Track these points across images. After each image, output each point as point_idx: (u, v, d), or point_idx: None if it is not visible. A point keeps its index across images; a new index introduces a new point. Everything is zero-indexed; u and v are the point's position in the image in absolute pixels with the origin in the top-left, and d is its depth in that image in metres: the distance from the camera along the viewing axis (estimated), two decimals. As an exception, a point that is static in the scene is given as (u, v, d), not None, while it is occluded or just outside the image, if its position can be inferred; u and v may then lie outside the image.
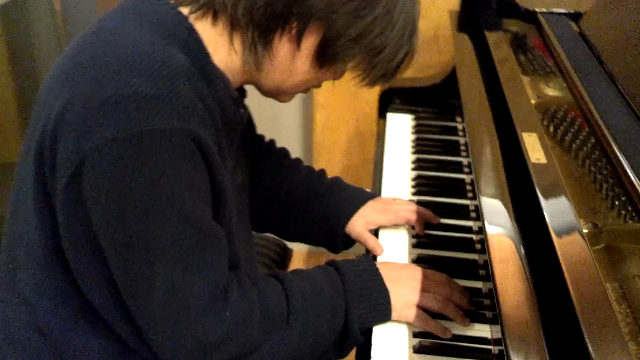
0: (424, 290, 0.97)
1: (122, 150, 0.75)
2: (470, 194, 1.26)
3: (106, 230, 0.78)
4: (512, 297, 0.83)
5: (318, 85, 0.98)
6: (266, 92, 0.96)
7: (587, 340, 0.69)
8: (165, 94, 0.77)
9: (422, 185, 1.30)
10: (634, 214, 0.90)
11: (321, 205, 1.17)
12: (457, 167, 1.36)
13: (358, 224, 1.15)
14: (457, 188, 1.29)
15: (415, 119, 1.54)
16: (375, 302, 0.95)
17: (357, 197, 1.17)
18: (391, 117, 1.55)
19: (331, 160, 2.09)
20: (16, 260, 0.90)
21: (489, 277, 1.04)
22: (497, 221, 0.93)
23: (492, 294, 1.01)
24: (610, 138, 1.00)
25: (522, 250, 0.89)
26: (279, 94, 0.96)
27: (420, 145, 1.43)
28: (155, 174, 0.76)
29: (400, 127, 1.51)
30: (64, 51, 0.88)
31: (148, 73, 0.77)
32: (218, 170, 0.83)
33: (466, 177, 1.32)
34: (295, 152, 1.12)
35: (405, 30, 0.89)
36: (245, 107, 0.99)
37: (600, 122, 1.04)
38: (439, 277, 1.01)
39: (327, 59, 0.88)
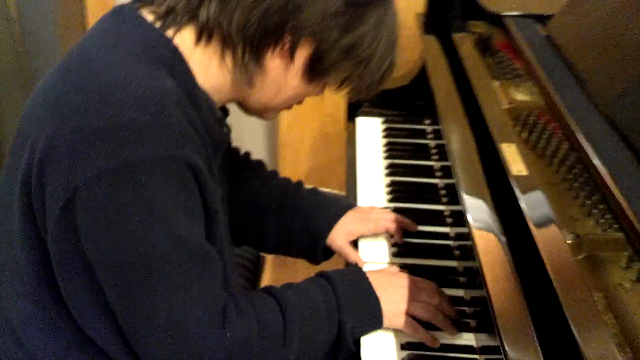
0: (414, 298, 0.99)
1: (116, 180, 0.74)
2: (444, 199, 1.28)
3: (102, 261, 0.77)
4: (504, 299, 0.85)
5: (301, 102, 0.98)
6: (252, 110, 0.96)
7: (578, 338, 0.73)
8: (156, 121, 0.76)
9: (396, 192, 1.31)
10: (611, 223, 0.93)
11: (300, 217, 1.17)
12: (429, 172, 1.37)
13: (339, 237, 1.15)
14: (431, 193, 1.31)
15: (385, 122, 1.55)
16: (367, 311, 0.96)
17: (336, 208, 1.18)
18: (361, 121, 1.55)
19: (297, 160, 2.09)
20: (1, 293, 0.88)
21: (470, 284, 1.07)
22: (484, 228, 0.95)
23: (474, 302, 1.03)
24: (586, 145, 1.02)
25: (510, 255, 0.90)
26: (265, 111, 0.96)
27: (391, 150, 1.44)
28: (151, 202, 0.76)
29: (370, 131, 1.52)
30: (44, 78, 0.86)
31: (137, 100, 0.76)
32: (210, 192, 0.84)
33: (439, 182, 1.34)
34: (260, 152, 1.12)
35: (389, 41, 0.91)
36: (227, 126, 0.99)
37: (576, 129, 1.06)
38: (428, 285, 1.03)
39: (317, 72, 0.90)
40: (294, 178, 1.27)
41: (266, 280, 1.69)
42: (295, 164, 2.08)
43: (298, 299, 0.93)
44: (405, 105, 1.59)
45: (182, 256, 0.79)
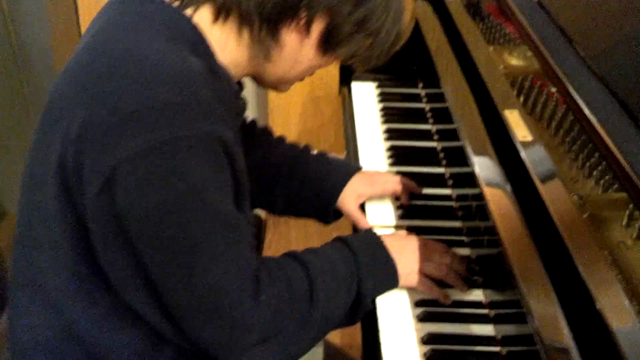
0: (426, 259, 1.05)
1: (154, 158, 0.77)
2: (443, 162, 1.33)
3: (142, 236, 0.80)
4: (519, 252, 0.90)
5: (313, 73, 1.02)
6: (268, 83, 1.00)
7: (591, 289, 0.79)
8: (189, 100, 0.79)
9: (397, 156, 1.36)
10: (611, 183, 0.98)
11: (310, 180, 1.22)
12: (427, 135, 1.42)
13: (349, 199, 1.20)
14: (430, 156, 1.36)
15: (379, 86, 1.59)
16: (384, 272, 1.02)
17: (344, 171, 1.23)
18: (356, 86, 1.59)
19: (287, 123, 2.12)
20: (38, 266, 0.91)
21: (474, 243, 1.13)
22: (494, 185, 1.00)
23: (480, 260, 1.09)
24: (583, 106, 1.06)
25: (520, 212, 0.95)
26: (280, 84, 1.00)
27: (388, 115, 1.48)
28: (187, 177, 0.79)
29: (366, 96, 1.56)
30: (72, 58, 0.88)
31: (170, 81, 0.79)
32: (239, 165, 0.88)
33: (437, 145, 1.39)
34: (250, 115, 1.15)
35: (397, 13, 0.96)
36: (243, 99, 1.02)
37: (572, 91, 1.10)
38: (439, 246, 1.08)
39: (331, 44, 0.93)
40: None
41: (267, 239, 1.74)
42: (285, 128, 2.11)
43: (320, 262, 0.98)
44: (397, 68, 1.63)
45: (218, 226, 0.83)
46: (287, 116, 2.11)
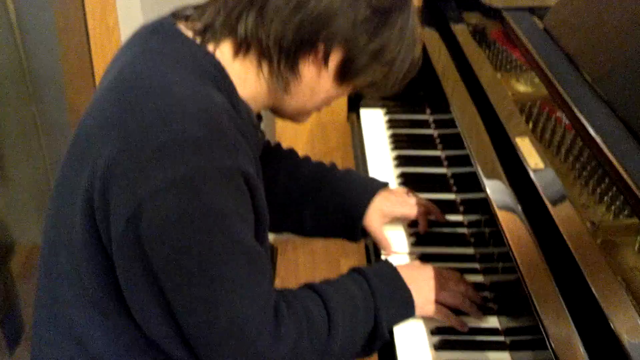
0: (441, 287, 1.06)
1: (180, 192, 0.79)
2: (454, 188, 1.34)
3: (166, 269, 0.82)
4: (535, 278, 0.90)
5: (330, 103, 1.04)
6: (286, 115, 1.02)
7: (607, 314, 0.80)
8: (213, 134, 0.82)
9: (407, 183, 1.37)
10: (623, 208, 1.00)
11: (337, 197, 1.23)
12: (437, 161, 1.43)
13: (374, 218, 1.21)
14: (441, 182, 1.37)
15: (387, 113, 1.60)
16: (400, 302, 1.03)
17: (370, 187, 1.24)
18: (364, 112, 1.61)
19: (296, 149, 2.13)
20: (62, 301, 0.92)
21: (487, 270, 1.14)
22: (508, 211, 1.01)
23: (494, 287, 1.10)
24: (592, 133, 1.08)
25: (534, 237, 0.96)
26: (299, 115, 1.02)
27: (397, 142, 1.49)
28: (211, 210, 0.81)
29: (375, 123, 1.57)
30: (98, 92, 0.91)
31: (195, 116, 0.81)
32: (259, 197, 0.89)
33: (447, 171, 1.40)
34: None
35: (411, 42, 0.98)
36: (262, 131, 1.04)
37: (581, 118, 1.12)
38: (453, 274, 1.09)
39: (348, 75, 0.96)
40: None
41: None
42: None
43: (338, 294, 0.99)
44: (405, 95, 1.64)
45: (240, 259, 0.85)
46: (295, 142, 2.12)
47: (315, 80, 0.95)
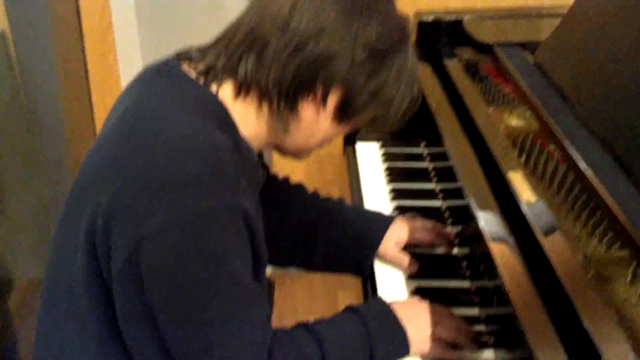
0: (435, 323, 1.06)
1: (180, 231, 0.81)
2: (449, 221, 1.36)
3: (163, 306, 0.83)
4: (528, 312, 0.91)
5: (331, 141, 1.06)
6: (287, 152, 1.04)
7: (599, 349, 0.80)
8: (215, 174, 0.83)
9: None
10: (614, 241, 1.01)
11: (350, 231, 1.25)
12: (431, 194, 1.45)
13: (389, 246, 1.24)
14: (436, 215, 1.38)
15: (382, 146, 1.62)
16: (395, 340, 1.03)
17: (383, 222, 1.26)
18: (360, 146, 1.63)
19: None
20: (63, 335, 0.94)
21: (483, 302, 1.15)
22: (501, 244, 1.02)
23: (489, 319, 1.11)
24: (583, 167, 1.10)
25: (528, 271, 0.97)
26: (299, 153, 1.04)
27: (392, 175, 1.51)
28: (210, 249, 0.82)
29: (370, 156, 1.59)
30: (104, 131, 0.93)
31: (198, 156, 0.83)
32: (259, 236, 0.91)
33: (441, 203, 1.42)
34: None
35: (409, 82, 1.00)
36: (263, 168, 1.06)
37: (572, 152, 1.14)
38: (445, 310, 1.10)
39: (347, 114, 0.98)
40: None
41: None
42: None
43: (332, 334, 0.99)
44: (400, 128, 1.67)
45: (237, 298, 0.85)
46: (292, 174, 2.13)
47: (314, 120, 0.97)
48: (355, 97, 0.95)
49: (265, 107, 0.95)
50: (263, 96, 0.93)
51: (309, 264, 1.29)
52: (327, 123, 0.98)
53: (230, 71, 0.93)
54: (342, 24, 0.91)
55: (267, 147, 1.03)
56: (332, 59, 0.91)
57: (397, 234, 1.25)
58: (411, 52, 0.99)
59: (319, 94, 0.94)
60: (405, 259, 1.23)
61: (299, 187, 1.32)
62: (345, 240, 1.25)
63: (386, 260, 1.26)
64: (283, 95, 0.93)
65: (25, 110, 2.01)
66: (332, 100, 0.95)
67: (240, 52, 0.92)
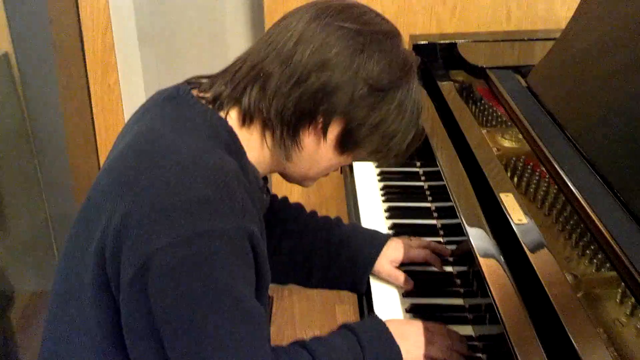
0: (429, 342, 1.09)
1: (187, 249, 0.84)
2: (443, 240, 1.39)
3: (167, 320, 0.86)
4: (519, 331, 0.94)
5: (336, 169, 1.09)
6: (292, 179, 1.07)
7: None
8: (223, 196, 0.87)
9: (399, 234, 1.42)
10: (604, 262, 1.04)
11: (347, 250, 1.28)
12: (427, 213, 1.48)
13: (384, 264, 1.27)
14: (431, 233, 1.42)
15: (379, 166, 1.66)
16: (390, 358, 1.06)
17: (377, 240, 1.30)
18: (357, 165, 1.66)
19: (290, 200, 2.18)
20: (69, 348, 0.97)
21: (476, 320, 1.18)
22: (492, 263, 1.05)
23: (483, 337, 1.14)
24: (574, 190, 1.13)
25: (518, 291, 1.00)
26: (304, 180, 1.07)
27: (389, 194, 1.55)
28: (215, 269, 0.86)
29: (367, 175, 1.63)
30: (115, 155, 0.97)
31: (207, 179, 0.87)
32: (263, 258, 0.94)
33: (436, 222, 1.45)
34: None
35: (413, 115, 1.03)
36: (267, 193, 1.10)
37: (563, 174, 1.17)
38: (440, 328, 1.13)
39: (348, 146, 1.01)
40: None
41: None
42: (288, 204, 2.17)
43: (328, 352, 1.02)
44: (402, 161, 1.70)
45: (238, 317, 0.88)
46: (290, 193, 2.17)
47: (316, 150, 1.00)
48: (356, 130, 0.98)
49: (268, 136, 0.98)
50: (266, 125, 0.97)
51: (307, 282, 1.33)
52: (329, 153, 1.01)
53: (235, 100, 0.97)
54: (344, 59, 0.94)
55: (272, 172, 1.06)
56: (332, 92, 0.95)
57: (392, 252, 1.28)
58: (415, 87, 1.02)
59: (320, 125, 0.97)
60: (400, 277, 1.26)
61: (298, 207, 1.36)
62: (341, 259, 1.28)
63: (381, 277, 1.29)
64: (285, 126, 0.96)
65: (29, 129, 2.04)
66: (333, 131, 0.98)
67: (245, 82, 0.96)
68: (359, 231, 1.34)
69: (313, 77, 0.94)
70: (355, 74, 0.95)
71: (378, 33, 0.98)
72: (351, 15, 0.98)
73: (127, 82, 2.12)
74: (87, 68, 2.07)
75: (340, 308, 2.40)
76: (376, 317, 1.13)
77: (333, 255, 1.29)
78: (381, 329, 1.08)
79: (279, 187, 2.17)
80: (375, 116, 0.98)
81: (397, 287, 1.28)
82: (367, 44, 0.96)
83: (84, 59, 2.07)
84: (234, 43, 2.36)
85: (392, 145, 1.03)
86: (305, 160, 1.01)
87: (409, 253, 1.29)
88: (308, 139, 0.99)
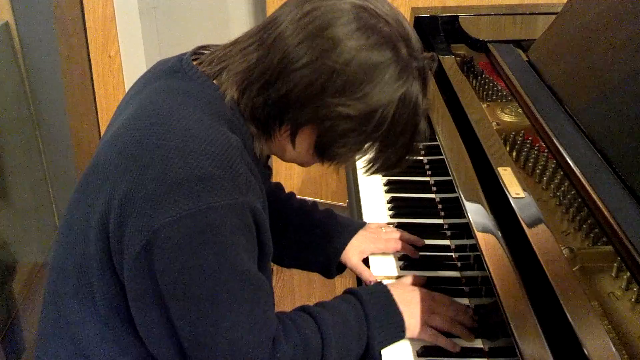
0: (432, 311, 1.11)
1: (193, 224, 0.85)
2: (442, 213, 1.40)
3: (174, 294, 0.87)
4: (513, 302, 0.95)
5: None
6: (287, 161, 1.07)
7: (581, 340, 0.84)
8: (227, 172, 0.88)
9: (397, 207, 1.42)
10: (600, 236, 1.05)
11: (317, 235, 1.29)
12: (426, 187, 1.49)
13: (352, 255, 1.27)
14: (429, 207, 1.42)
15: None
16: (392, 325, 1.08)
17: (348, 229, 1.30)
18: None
19: (291, 174, 2.19)
20: (69, 317, 0.98)
21: (473, 293, 1.19)
22: (489, 237, 1.06)
23: (477, 309, 1.15)
24: (572, 164, 1.13)
25: (513, 263, 1.01)
26: (299, 164, 1.07)
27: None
28: (220, 242, 0.87)
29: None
30: (118, 124, 0.97)
31: (211, 155, 0.87)
32: (265, 232, 0.96)
33: (435, 196, 1.46)
34: None
35: (410, 124, 0.98)
36: (269, 167, 1.10)
37: (562, 149, 1.18)
38: (443, 298, 1.14)
39: (326, 156, 0.99)
40: (288, 190, 1.39)
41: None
42: (289, 178, 2.17)
43: (332, 316, 1.04)
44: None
45: (243, 288, 0.90)
46: (291, 165, 2.18)
47: (293, 150, 1.00)
48: (329, 142, 0.96)
49: (251, 126, 0.98)
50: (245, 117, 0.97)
51: (280, 261, 1.34)
52: (308, 156, 1.01)
53: (233, 82, 0.96)
54: (308, 70, 0.90)
55: (270, 154, 1.07)
56: (293, 105, 0.92)
57: (360, 243, 1.29)
58: (411, 90, 0.97)
59: (288, 132, 0.96)
60: (363, 272, 1.26)
61: (277, 186, 1.37)
62: (312, 246, 1.29)
63: (348, 267, 1.29)
64: (258, 123, 0.97)
65: (29, 99, 2.04)
66: (306, 139, 0.97)
67: (235, 70, 0.95)
68: (331, 219, 1.33)
69: (279, 84, 0.92)
70: (320, 86, 0.90)
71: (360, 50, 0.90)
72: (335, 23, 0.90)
73: (128, 52, 2.12)
74: (88, 38, 2.07)
75: (340, 279, 2.41)
76: (381, 283, 1.15)
77: (304, 239, 1.30)
78: (386, 296, 1.10)
79: (279, 161, 2.18)
80: (346, 127, 0.93)
81: (395, 259, 1.29)
82: (339, 63, 0.89)
83: (85, 29, 2.07)
84: (234, 12, 2.35)
85: (391, 155, 1.00)
86: (288, 154, 1.02)
87: (379, 244, 1.29)
88: (283, 140, 0.98)
